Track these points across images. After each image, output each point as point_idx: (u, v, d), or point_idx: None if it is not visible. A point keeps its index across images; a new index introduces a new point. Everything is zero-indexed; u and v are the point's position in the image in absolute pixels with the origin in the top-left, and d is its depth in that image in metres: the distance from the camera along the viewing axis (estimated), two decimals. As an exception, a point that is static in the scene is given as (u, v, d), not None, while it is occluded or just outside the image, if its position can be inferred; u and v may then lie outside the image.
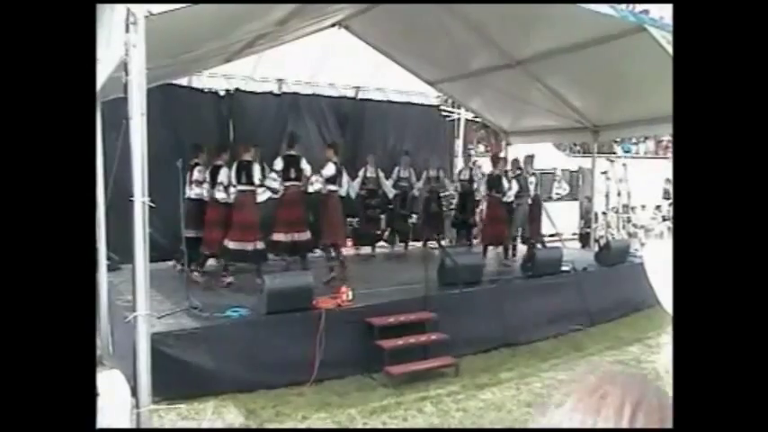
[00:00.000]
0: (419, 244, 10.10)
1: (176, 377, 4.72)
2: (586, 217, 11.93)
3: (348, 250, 9.50)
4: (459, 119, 12.34)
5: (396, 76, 10.29)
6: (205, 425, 4.56)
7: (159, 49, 3.87)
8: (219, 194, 6.96)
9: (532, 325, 6.86)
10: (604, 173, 11.60)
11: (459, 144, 12.45)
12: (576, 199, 14.09)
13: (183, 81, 8.86)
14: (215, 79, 9.28)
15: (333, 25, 8.16)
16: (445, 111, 12.11)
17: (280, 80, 10.04)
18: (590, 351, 6.61)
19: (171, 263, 7.48)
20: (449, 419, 4.81)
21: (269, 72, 9.70)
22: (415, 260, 8.95)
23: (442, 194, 10.19)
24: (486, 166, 11.83)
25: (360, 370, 5.61)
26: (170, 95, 8.25)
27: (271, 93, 9.95)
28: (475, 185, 9.90)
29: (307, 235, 7.46)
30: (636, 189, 12.53)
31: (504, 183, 8.94)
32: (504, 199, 8.94)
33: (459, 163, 11.49)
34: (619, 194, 12.29)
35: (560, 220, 10.96)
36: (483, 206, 10.68)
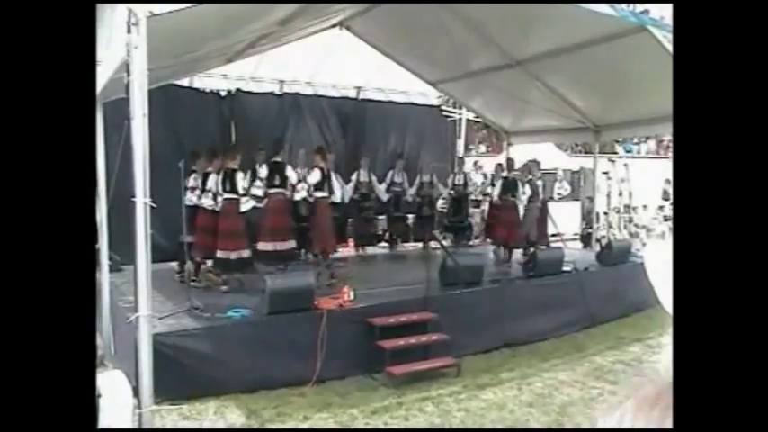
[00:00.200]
0: (419, 245, 10.12)
1: (178, 377, 4.72)
2: (588, 217, 11.94)
3: (349, 251, 9.52)
4: (460, 119, 12.36)
5: (397, 77, 10.30)
6: (206, 425, 4.56)
7: (161, 49, 3.87)
8: (207, 201, 6.90)
9: (533, 325, 6.86)
10: (606, 173, 11.58)
11: (460, 144, 12.46)
12: (577, 199, 14.11)
13: (185, 82, 8.87)
14: (216, 80, 9.29)
15: (334, 25, 8.16)
16: (446, 111, 12.12)
17: (281, 81, 10.06)
18: (591, 351, 6.61)
19: (174, 264, 7.45)
20: (450, 419, 4.81)
21: (270, 72, 9.72)
22: (415, 260, 8.97)
23: (435, 197, 10.28)
24: (487, 166, 11.86)
25: (361, 370, 5.61)
26: (171, 96, 8.26)
27: (272, 93, 9.97)
28: (469, 188, 10.01)
29: (290, 244, 7.43)
30: (637, 189, 12.51)
31: (520, 187, 9.05)
32: (518, 203, 9.07)
33: (466, 164, 11.53)
34: (620, 194, 12.26)
35: (562, 220, 10.96)
36: (484, 207, 10.72)
